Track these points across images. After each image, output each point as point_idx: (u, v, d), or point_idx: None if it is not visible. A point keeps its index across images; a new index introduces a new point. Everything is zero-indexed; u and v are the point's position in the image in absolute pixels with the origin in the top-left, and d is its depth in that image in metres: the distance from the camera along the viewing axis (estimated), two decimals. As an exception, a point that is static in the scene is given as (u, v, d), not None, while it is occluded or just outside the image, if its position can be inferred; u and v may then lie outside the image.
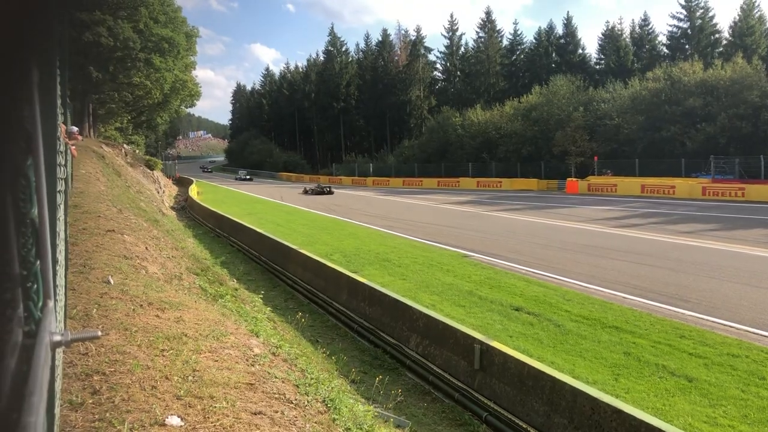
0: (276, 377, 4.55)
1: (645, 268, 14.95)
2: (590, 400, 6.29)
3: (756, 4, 52.85)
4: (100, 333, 0.85)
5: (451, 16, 79.09)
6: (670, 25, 58.96)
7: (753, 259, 15.51)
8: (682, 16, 57.34)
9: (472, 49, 75.45)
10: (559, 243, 19.53)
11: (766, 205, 27.03)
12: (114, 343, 4.17)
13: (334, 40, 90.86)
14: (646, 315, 10.87)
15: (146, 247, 9.76)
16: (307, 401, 4.38)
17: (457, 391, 8.23)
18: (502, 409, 7.36)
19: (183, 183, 58.61)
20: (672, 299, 11.87)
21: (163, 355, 4.17)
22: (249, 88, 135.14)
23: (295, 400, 4.24)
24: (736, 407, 7.26)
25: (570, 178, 44.11)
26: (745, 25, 51.81)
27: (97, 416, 3.08)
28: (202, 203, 34.31)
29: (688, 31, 56.92)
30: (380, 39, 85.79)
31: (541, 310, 11.49)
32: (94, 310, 4.93)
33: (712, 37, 56.42)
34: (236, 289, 12.26)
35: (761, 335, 9.54)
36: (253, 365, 4.61)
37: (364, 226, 26.10)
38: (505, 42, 74.08)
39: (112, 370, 3.72)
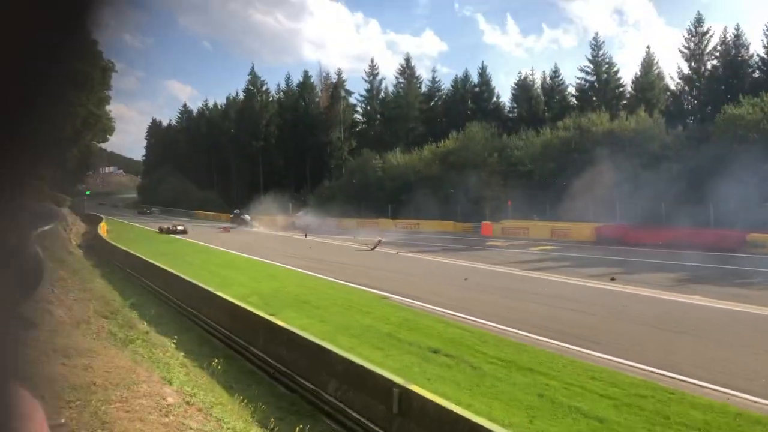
0: (191, 428, 4.38)
1: (558, 311, 15.43)
2: (507, 443, 6.37)
3: (655, 62, 56.79)
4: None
5: (372, 61, 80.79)
6: (579, 78, 62.17)
7: (656, 302, 16.31)
8: (589, 70, 60.71)
9: (392, 93, 77.09)
10: (476, 285, 19.92)
11: (662, 250, 28.56)
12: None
13: (254, 79, 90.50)
14: (558, 357, 11.19)
15: (51, 289, 9.27)
16: (224, 453, 4.24)
17: (375, 437, 8.15)
18: (421, 454, 7.33)
19: (92, 220, 56.21)
20: (583, 341, 12.28)
21: (70, 407, 3.94)
22: (164, 123, 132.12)
23: (211, 451, 4.09)
24: (643, 447, 7.53)
25: (485, 221, 45.29)
26: (645, 81, 55.39)
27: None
28: (111, 242, 32.99)
29: (595, 84, 60.18)
30: (301, 80, 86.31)
31: (458, 352, 11.62)
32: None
33: (617, 91, 59.82)
34: (147, 333, 11.80)
35: (666, 376, 10.00)
36: (166, 415, 4.43)
37: (283, 266, 25.79)
38: (423, 88, 76.16)
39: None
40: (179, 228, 50.14)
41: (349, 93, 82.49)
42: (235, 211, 61.04)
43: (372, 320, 14.75)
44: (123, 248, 28.72)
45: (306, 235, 44.42)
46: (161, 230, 50.35)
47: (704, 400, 8.83)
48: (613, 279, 20.34)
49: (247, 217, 60.12)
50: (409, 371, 10.49)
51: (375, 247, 32.51)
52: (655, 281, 19.75)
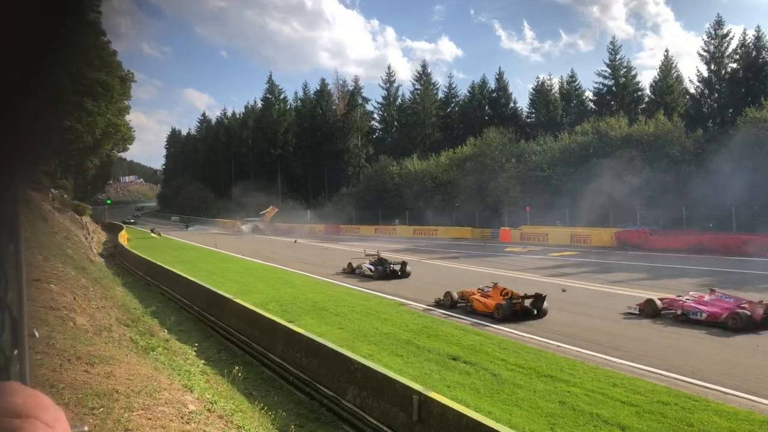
0: (212, 435, 4.40)
1: (578, 317, 15.32)
2: (528, 450, 6.32)
3: (673, 65, 56.29)
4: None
5: (389, 68, 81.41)
6: (596, 83, 61.66)
7: (677, 308, 16.08)
8: (606, 74, 60.27)
9: (409, 100, 77.19)
10: (495, 291, 19.79)
11: (683, 255, 28.25)
12: (39, 402, 3.95)
13: (272, 88, 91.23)
14: (580, 363, 11.10)
15: (74, 297, 9.38)
16: (245, 460, 4.25)
17: (395, 444, 8.12)
18: (441, 462, 7.29)
19: (113, 229, 56.89)
20: (604, 347, 12.18)
21: (93, 414, 3.98)
22: (183, 133, 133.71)
23: (232, 459, 4.11)
24: (667, 454, 7.43)
25: (503, 227, 45.08)
26: (664, 85, 54.84)
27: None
28: (132, 250, 33.31)
29: (613, 88, 59.73)
30: (318, 88, 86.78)
31: (477, 359, 11.57)
32: (17, 366, 4.67)
33: (635, 95, 59.33)
34: (167, 341, 11.89)
35: (688, 382, 9.88)
36: (188, 423, 4.45)
37: (301, 273, 25.88)
38: (440, 94, 76.17)
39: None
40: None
41: (366, 100, 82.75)
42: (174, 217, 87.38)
43: (391, 327, 14.73)
44: (142, 256, 28.98)
45: (295, 241, 48.48)
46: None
47: (729, 408, 8.71)
48: (564, 291, 19.37)
49: (190, 226, 78.78)
50: (428, 378, 10.47)
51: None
52: (676, 287, 19.48)
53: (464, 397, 9.45)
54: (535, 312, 15.60)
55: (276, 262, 30.70)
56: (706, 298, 14.67)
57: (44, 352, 5.23)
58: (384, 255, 26.31)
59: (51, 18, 0.72)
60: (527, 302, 15.73)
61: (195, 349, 12.15)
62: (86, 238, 36.94)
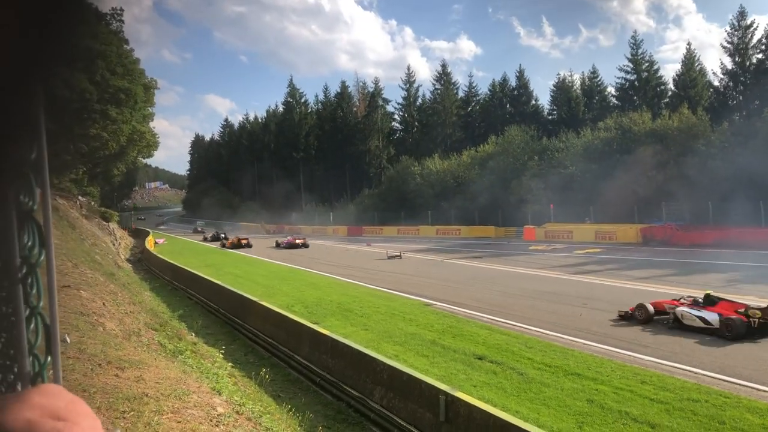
0: (241, 437, 4.44)
1: (604, 314, 15.16)
2: (556, 450, 6.27)
3: (696, 58, 55.40)
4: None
5: (408, 69, 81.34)
6: (618, 78, 60.91)
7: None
8: (629, 69, 59.53)
9: (429, 100, 77.01)
10: (520, 290, 19.71)
11: (711, 250, 27.83)
12: (72, 406, 4.01)
13: (293, 92, 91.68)
14: (607, 361, 10.98)
15: (103, 303, 9.52)
16: (273, 461, 4.28)
17: (422, 445, 8.12)
18: (469, 462, 7.27)
19: (139, 234, 57.66)
20: (632, 345, 12.05)
21: (124, 418, 4.04)
22: (207, 138, 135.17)
23: (261, 460, 4.14)
24: (699, 452, 7.32)
25: (527, 225, 44.73)
26: (687, 78, 53.99)
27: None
28: (158, 255, 33.69)
29: (636, 83, 58.98)
30: (339, 90, 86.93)
31: (503, 359, 11.51)
32: (50, 371, 4.75)
33: (658, 89, 58.51)
34: (195, 344, 12.02)
35: (719, 379, 9.72)
36: (217, 425, 4.50)
37: (325, 275, 25.96)
38: (460, 93, 75.86)
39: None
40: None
41: (386, 101, 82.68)
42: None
43: (416, 327, 14.72)
44: (169, 261, 29.32)
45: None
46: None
47: (762, 404, 8.55)
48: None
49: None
50: (454, 378, 10.44)
51: (394, 257, 32.28)
52: (705, 282, 19.20)
53: (491, 396, 9.41)
54: (243, 245, 44.25)
55: (300, 265, 30.86)
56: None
57: (76, 357, 5.32)
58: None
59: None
60: (243, 242, 44.64)
61: (222, 351, 12.27)
62: (114, 244, 37.51)
